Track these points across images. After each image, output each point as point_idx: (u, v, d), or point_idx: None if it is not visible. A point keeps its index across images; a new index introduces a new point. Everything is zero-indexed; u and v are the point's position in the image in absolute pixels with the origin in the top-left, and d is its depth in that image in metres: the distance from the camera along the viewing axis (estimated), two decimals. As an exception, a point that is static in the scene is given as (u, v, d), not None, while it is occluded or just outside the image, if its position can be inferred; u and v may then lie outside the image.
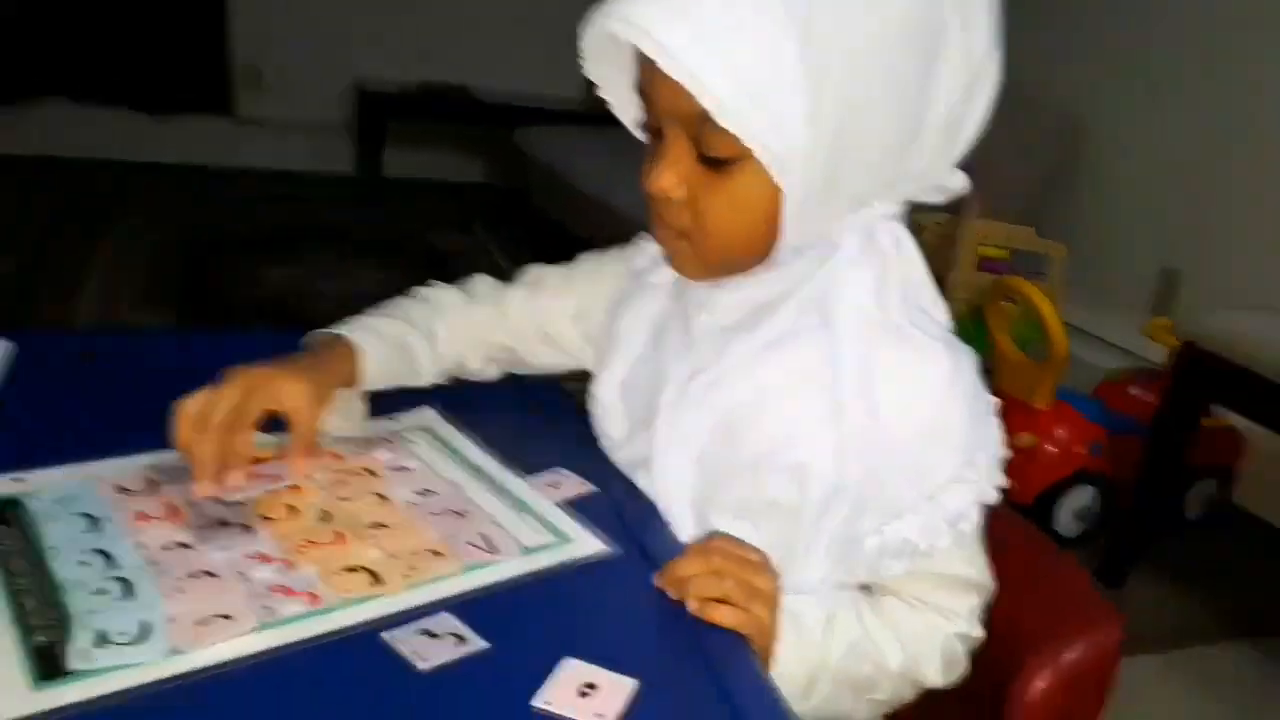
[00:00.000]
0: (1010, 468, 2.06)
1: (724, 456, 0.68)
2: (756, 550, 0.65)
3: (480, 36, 4.27)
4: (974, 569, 0.70)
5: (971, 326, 2.32)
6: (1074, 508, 2.05)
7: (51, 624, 0.55)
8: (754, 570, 0.63)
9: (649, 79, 0.62)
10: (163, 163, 4.13)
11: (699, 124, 0.60)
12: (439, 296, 0.86)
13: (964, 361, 0.66)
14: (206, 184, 4.01)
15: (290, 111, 4.30)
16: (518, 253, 3.65)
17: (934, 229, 2.42)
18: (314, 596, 0.59)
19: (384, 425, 0.81)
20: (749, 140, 0.58)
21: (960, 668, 0.71)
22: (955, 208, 2.34)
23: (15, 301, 2.66)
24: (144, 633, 0.54)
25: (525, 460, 0.77)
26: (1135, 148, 2.64)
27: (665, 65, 0.58)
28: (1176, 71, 2.54)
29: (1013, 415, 2.02)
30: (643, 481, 0.75)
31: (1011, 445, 2.11)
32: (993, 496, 0.67)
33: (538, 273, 0.87)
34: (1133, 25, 2.64)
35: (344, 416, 0.77)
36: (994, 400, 0.68)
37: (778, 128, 0.58)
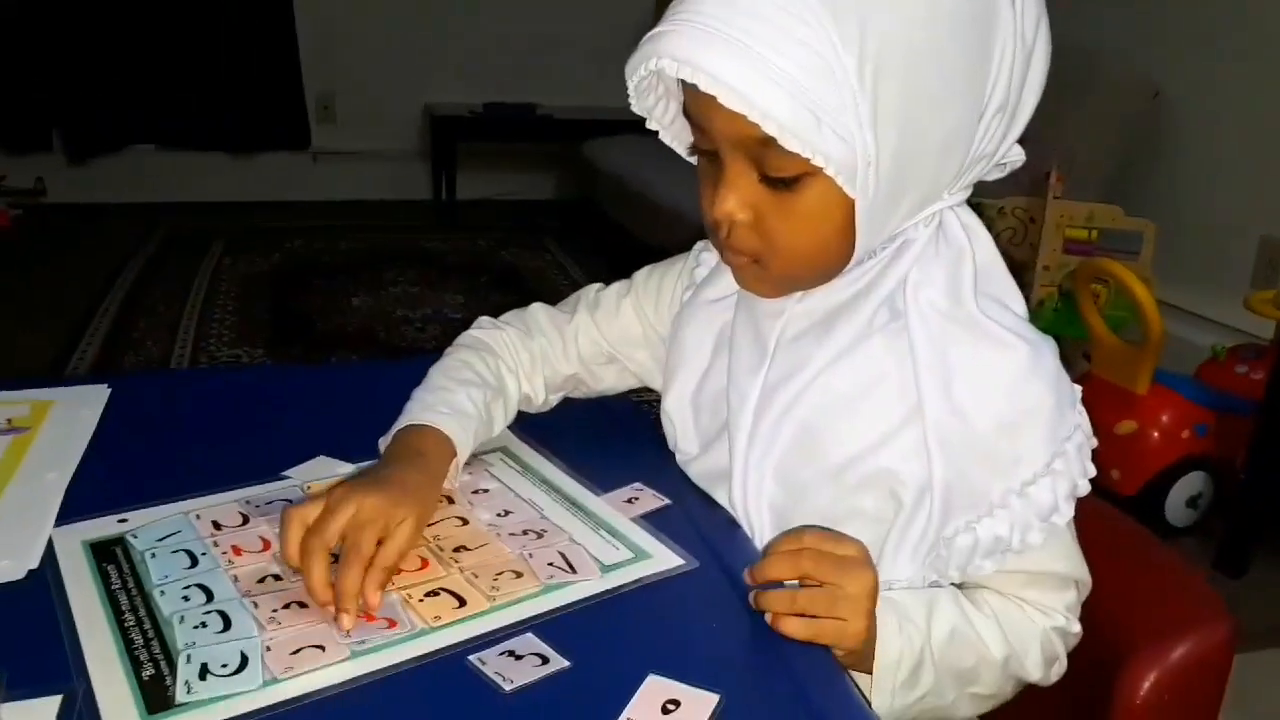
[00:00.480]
0: (1113, 457, 1.99)
1: (805, 466, 0.67)
2: (852, 543, 0.62)
3: (543, 54, 4.32)
4: (1069, 564, 0.67)
5: (1063, 312, 2.26)
6: (1185, 495, 1.97)
7: (158, 658, 0.57)
8: (844, 571, 0.60)
9: (703, 109, 0.60)
10: (247, 201, 4.28)
11: (760, 146, 0.59)
12: (499, 340, 0.84)
13: (1044, 350, 0.64)
14: (290, 218, 4.14)
15: (363, 141, 4.41)
16: (592, 265, 3.68)
17: (1016, 213, 2.35)
18: (391, 622, 0.60)
19: None
20: (815, 158, 0.57)
21: (1059, 664, 0.69)
22: (1036, 189, 2.28)
23: (117, 344, 2.78)
24: (243, 664, 0.56)
25: (601, 477, 0.77)
26: (1223, 117, 2.53)
27: (724, 98, 0.56)
28: (1262, 36, 2.42)
29: (1112, 402, 1.98)
30: (720, 494, 0.74)
31: (1113, 433, 2.03)
32: (1084, 488, 0.64)
33: (596, 295, 0.85)
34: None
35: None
36: (1078, 389, 0.66)
37: (843, 141, 0.57)
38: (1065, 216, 2.25)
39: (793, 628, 0.59)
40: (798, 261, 0.64)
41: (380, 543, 0.63)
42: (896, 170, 0.59)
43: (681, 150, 0.69)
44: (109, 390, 0.90)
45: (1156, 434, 1.92)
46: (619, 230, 3.56)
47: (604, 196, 3.74)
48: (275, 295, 3.22)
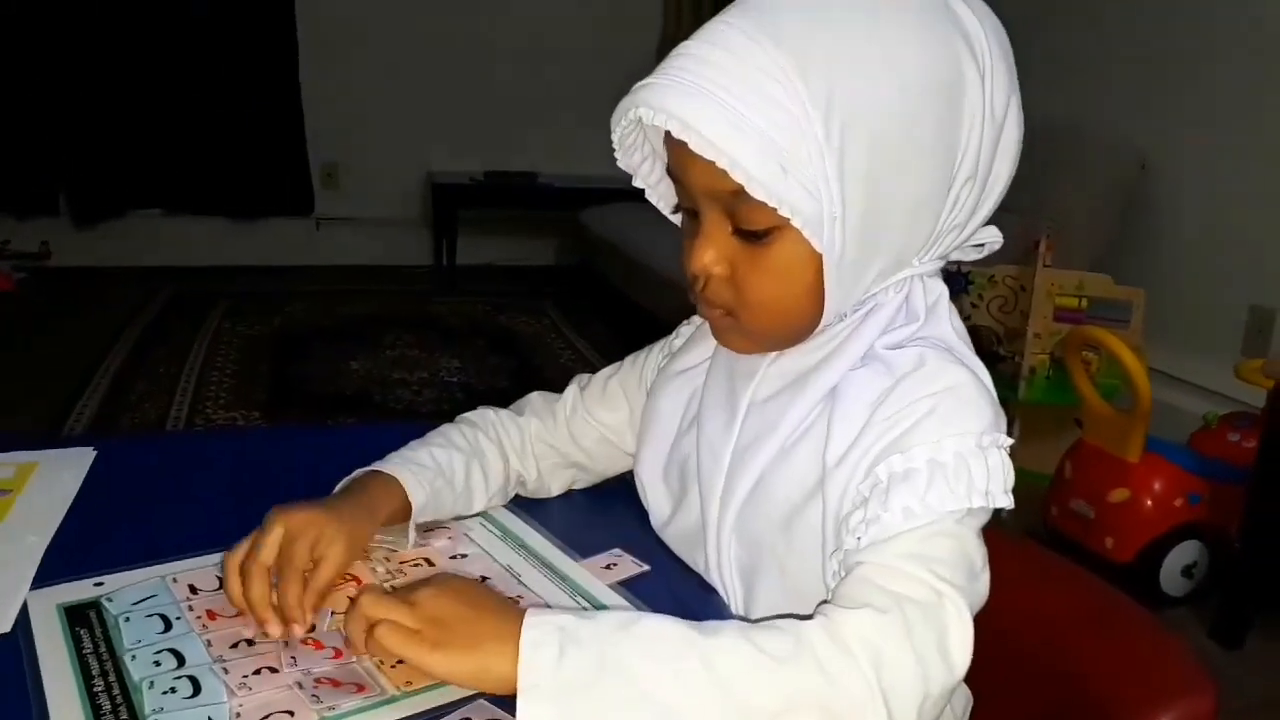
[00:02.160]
0: (1107, 525, 1.98)
1: (760, 520, 0.68)
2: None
3: (543, 124, 4.40)
4: (942, 563, 0.58)
5: (1056, 379, 2.27)
6: (1180, 564, 1.95)
7: (124, 724, 0.56)
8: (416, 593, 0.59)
9: (680, 161, 0.63)
10: (250, 265, 4.33)
11: (733, 200, 0.61)
12: (483, 417, 0.86)
13: (984, 380, 0.64)
14: (291, 283, 4.18)
15: (366, 208, 4.48)
16: (589, 330, 3.70)
17: (1006, 281, 2.38)
18: (360, 687, 0.60)
19: None
20: (783, 209, 0.59)
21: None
22: (1027, 258, 2.30)
23: (114, 405, 2.79)
24: None
25: (582, 543, 0.78)
26: (1210, 188, 2.57)
27: (695, 145, 0.59)
28: (1246, 109, 2.47)
29: (1104, 469, 1.98)
30: (697, 558, 0.74)
31: (1106, 501, 2.02)
32: (1000, 500, 0.61)
33: (588, 378, 0.88)
34: (1198, 65, 2.60)
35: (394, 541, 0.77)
36: (1007, 440, 0.63)
37: (810, 194, 0.59)
38: (1055, 285, 2.27)
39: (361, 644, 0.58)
40: (769, 316, 0.66)
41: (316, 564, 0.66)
42: (864, 229, 0.61)
43: (666, 209, 0.72)
44: (94, 453, 0.90)
45: (1149, 502, 1.92)
46: (616, 296, 3.59)
47: (602, 263, 3.78)
48: (274, 358, 3.24)
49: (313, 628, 0.65)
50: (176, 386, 2.94)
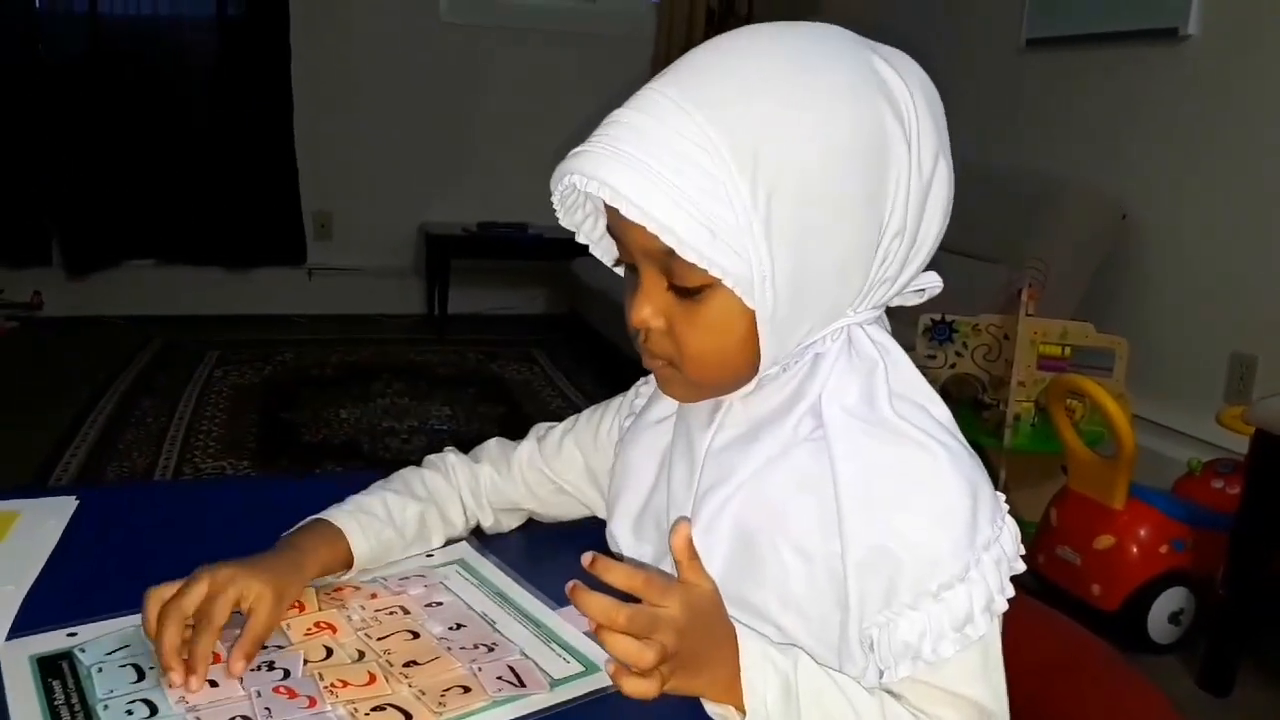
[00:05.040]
0: (1092, 572, 1.98)
1: (745, 574, 0.68)
2: (673, 599, 0.61)
3: (534, 176, 4.42)
4: (985, 689, 0.65)
5: (1040, 427, 2.28)
6: (1167, 611, 1.95)
7: (95, 776, 0.56)
8: (660, 628, 0.60)
9: (616, 222, 0.65)
10: (242, 314, 4.35)
11: (667, 259, 0.63)
12: (444, 462, 0.89)
13: (962, 455, 0.65)
14: (283, 331, 4.19)
15: (359, 258, 4.51)
16: (578, 378, 3.71)
17: (990, 329, 2.40)
18: (337, 736, 0.61)
19: (420, 561, 0.83)
20: (712, 270, 0.61)
21: None
22: (1011, 307, 2.33)
23: (102, 454, 2.78)
24: None
25: (557, 591, 0.78)
26: (1190, 237, 2.61)
27: (625, 211, 0.61)
28: (1225, 160, 2.52)
29: (1089, 517, 1.98)
30: None
31: (1091, 548, 2.03)
32: (1001, 605, 0.64)
33: (545, 430, 0.90)
34: (1177, 117, 2.65)
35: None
36: (1002, 500, 0.66)
37: (738, 255, 0.61)
38: (1039, 333, 2.29)
39: (617, 677, 0.60)
40: (706, 367, 0.68)
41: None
42: (794, 287, 0.63)
43: (609, 262, 0.74)
44: (77, 502, 0.91)
45: (1135, 548, 1.92)
46: (605, 345, 3.61)
47: (591, 311, 3.80)
48: (264, 407, 3.24)
49: (215, 683, 0.66)
50: (165, 436, 2.94)
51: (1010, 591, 0.64)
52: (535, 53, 4.49)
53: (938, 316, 2.38)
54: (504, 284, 4.64)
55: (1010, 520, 0.66)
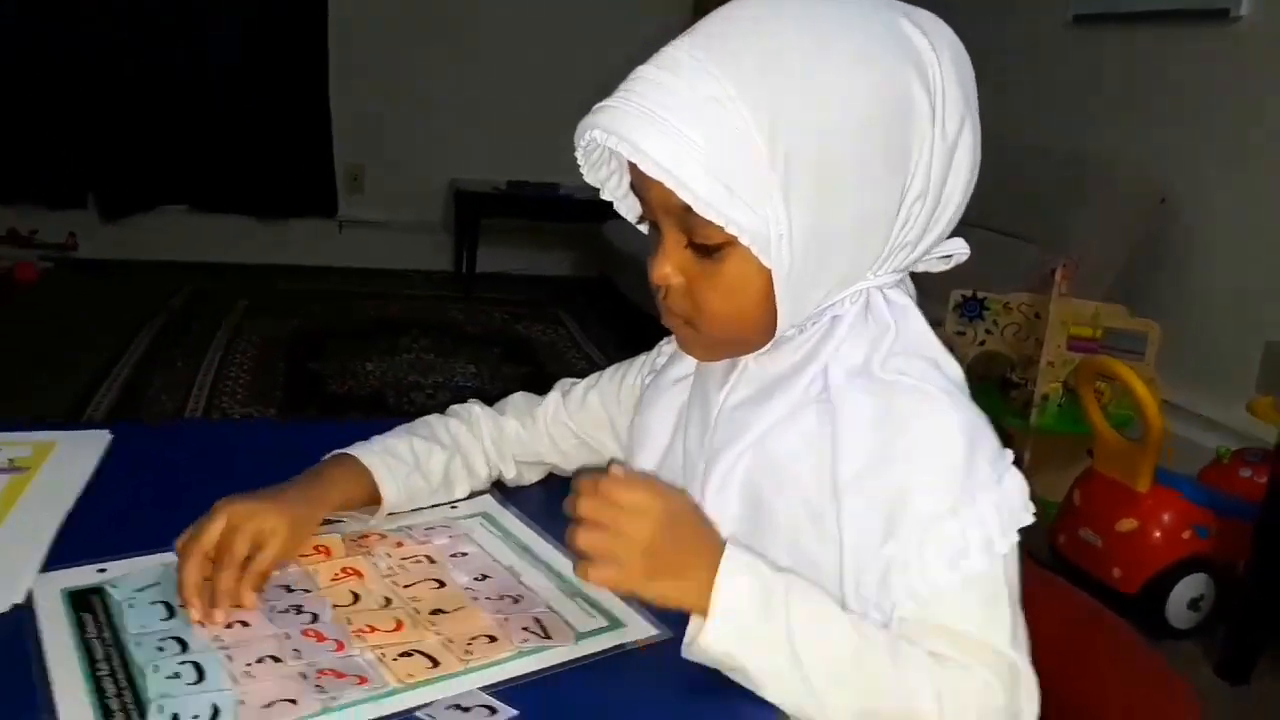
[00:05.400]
0: (1114, 554, 1.97)
1: (756, 531, 0.69)
2: (639, 492, 0.63)
3: (567, 136, 4.40)
4: (991, 630, 0.63)
5: (1068, 408, 2.26)
6: (1186, 597, 1.94)
7: (129, 708, 0.58)
8: (620, 515, 0.62)
9: (638, 178, 0.65)
10: (273, 264, 4.37)
11: (686, 216, 0.63)
12: (469, 412, 0.90)
13: (964, 403, 0.66)
14: (312, 283, 4.22)
15: (389, 212, 4.52)
16: (604, 340, 3.72)
17: (1021, 308, 2.37)
18: (362, 679, 0.61)
19: (444, 513, 0.84)
20: (729, 227, 0.61)
21: None
22: (1044, 286, 2.30)
23: (132, 396, 2.82)
24: (215, 715, 0.57)
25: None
26: (1229, 224, 2.56)
27: (644, 166, 0.62)
28: (1268, 145, 2.47)
29: (1113, 499, 1.97)
30: None
31: (1114, 530, 2.01)
32: (1003, 548, 0.63)
33: (569, 385, 0.91)
34: (1222, 102, 2.59)
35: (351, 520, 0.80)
36: (1008, 453, 0.66)
37: (755, 213, 0.61)
38: (1070, 314, 2.27)
39: (580, 570, 0.62)
40: (722, 326, 0.68)
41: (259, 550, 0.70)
42: (811, 247, 0.63)
43: (633, 219, 0.74)
44: (110, 436, 0.92)
45: (1157, 533, 1.91)
46: (633, 308, 3.60)
47: (619, 275, 3.79)
48: (292, 357, 3.27)
49: (245, 624, 0.67)
50: (194, 381, 2.97)
51: (1014, 538, 0.64)
52: (572, 9, 4.45)
53: (968, 292, 2.35)
54: (533, 244, 4.64)
55: (1016, 472, 0.65)
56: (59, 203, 4.16)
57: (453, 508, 0.85)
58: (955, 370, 0.68)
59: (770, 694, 0.61)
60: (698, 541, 0.64)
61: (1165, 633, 1.91)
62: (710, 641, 0.60)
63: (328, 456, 0.81)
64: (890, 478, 0.64)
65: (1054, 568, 1.96)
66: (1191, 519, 1.93)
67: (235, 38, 4.21)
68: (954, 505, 0.63)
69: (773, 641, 0.60)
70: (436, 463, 0.84)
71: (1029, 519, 0.65)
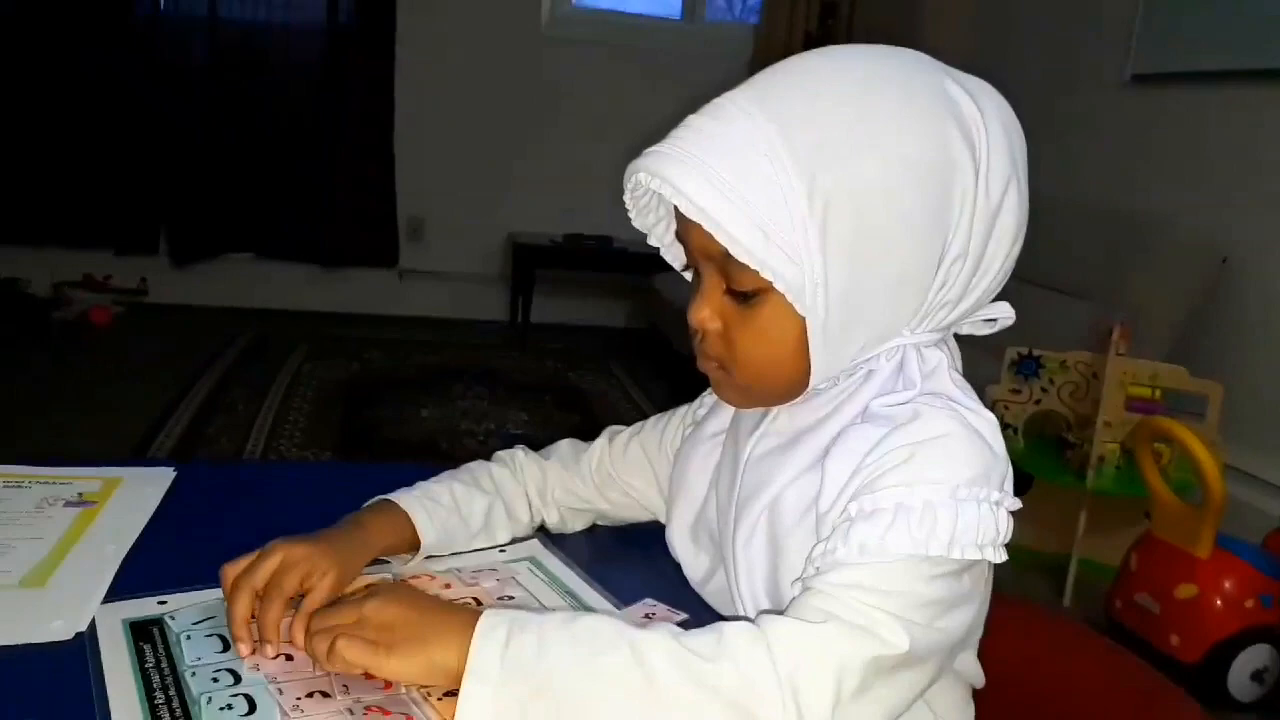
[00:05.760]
0: (1173, 622, 1.91)
1: (775, 580, 0.70)
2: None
3: (621, 191, 4.49)
4: (910, 608, 0.60)
5: (1125, 470, 2.22)
6: (1249, 668, 1.88)
7: (184, 735, 0.59)
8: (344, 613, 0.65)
9: (682, 224, 0.68)
10: (334, 311, 4.48)
11: (725, 261, 0.65)
12: (514, 459, 0.91)
13: (989, 429, 0.65)
14: (371, 330, 4.31)
15: (448, 263, 4.61)
16: (654, 391, 3.73)
17: (1079, 367, 2.35)
18: (408, 717, 0.62)
19: (492, 556, 0.85)
20: (766, 273, 0.62)
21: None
22: (1102, 346, 2.27)
23: (194, 436, 2.90)
24: None
25: (622, 589, 0.80)
26: (1295, 283, 2.52)
27: (685, 209, 0.63)
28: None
29: (1172, 564, 1.93)
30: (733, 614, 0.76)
31: (1172, 597, 1.96)
32: (968, 554, 0.61)
33: (614, 432, 0.92)
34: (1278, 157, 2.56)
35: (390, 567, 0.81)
36: (999, 494, 0.64)
37: (792, 261, 0.62)
38: (1128, 374, 2.23)
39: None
40: (755, 372, 0.69)
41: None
42: (847, 298, 0.64)
43: (678, 267, 0.76)
44: (174, 473, 0.95)
45: (1219, 601, 1.86)
46: (683, 362, 3.61)
47: (670, 327, 3.82)
48: (349, 403, 3.34)
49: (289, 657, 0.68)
50: (254, 424, 3.04)
51: (978, 556, 0.62)
52: (632, 69, 4.54)
53: (1025, 350, 2.33)
54: (587, 296, 4.70)
55: (1009, 516, 0.64)
56: (132, 249, 4.31)
57: (501, 551, 0.86)
58: (984, 415, 0.66)
59: None
60: (443, 606, 0.66)
61: (1227, 704, 1.85)
62: (471, 704, 0.58)
63: (370, 502, 0.82)
64: (884, 462, 0.63)
65: (1109, 634, 1.91)
66: (1255, 587, 1.87)
67: (304, 91, 4.36)
68: (951, 490, 0.61)
69: (538, 684, 0.58)
70: (478, 508, 0.85)
71: (1000, 557, 0.63)
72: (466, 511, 0.84)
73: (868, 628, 0.59)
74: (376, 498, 0.82)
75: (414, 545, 0.81)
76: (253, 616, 0.70)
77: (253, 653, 0.68)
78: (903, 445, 0.63)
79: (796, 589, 0.65)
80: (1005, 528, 0.63)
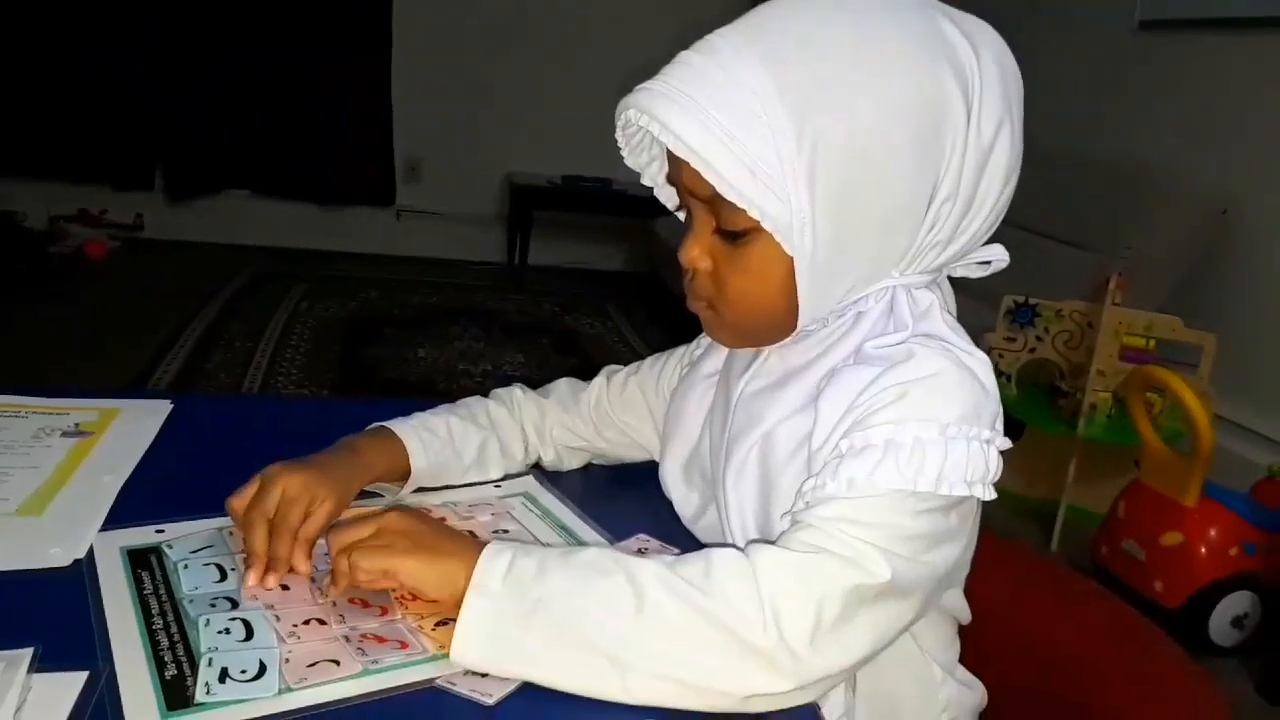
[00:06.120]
0: (1158, 568, 1.94)
1: (766, 514, 0.71)
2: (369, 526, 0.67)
3: (623, 131, 4.45)
4: (892, 541, 0.61)
5: (1117, 419, 2.23)
6: (1230, 614, 1.91)
7: (181, 660, 0.60)
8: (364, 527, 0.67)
9: (673, 163, 0.67)
10: (330, 250, 4.46)
11: (714, 201, 0.65)
12: (511, 396, 0.92)
13: (983, 368, 0.65)
14: (368, 270, 4.29)
15: (445, 203, 4.58)
16: (650, 335, 3.74)
17: (1074, 316, 2.35)
18: (403, 644, 0.64)
19: (488, 491, 0.86)
20: (754, 212, 0.62)
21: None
22: (1098, 295, 2.27)
23: (192, 372, 2.90)
24: (261, 671, 0.59)
25: (616, 525, 0.81)
26: (1293, 234, 2.51)
27: (675, 148, 0.63)
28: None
29: (1159, 512, 1.95)
30: None
31: (1158, 544, 1.98)
32: (955, 490, 0.62)
33: (612, 372, 0.93)
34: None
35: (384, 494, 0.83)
36: (989, 433, 0.64)
37: (780, 199, 0.62)
38: (1123, 324, 2.24)
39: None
40: (744, 312, 0.70)
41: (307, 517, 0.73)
42: (834, 237, 0.64)
43: (671, 206, 0.75)
44: (171, 406, 0.96)
45: (1203, 548, 1.88)
46: (681, 305, 3.61)
47: (669, 271, 3.81)
48: (346, 341, 3.34)
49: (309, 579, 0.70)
50: (251, 360, 3.05)
51: (967, 492, 0.63)
52: (632, 9, 4.46)
53: (1021, 298, 2.33)
54: (585, 238, 4.68)
55: (998, 455, 0.65)
56: (127, 184, 4.28)
57: (496, 486, 0.87)
58: (977, 354, 0.66)
59: (558, 675, 0.60)
60: (452, 533, 0.68)
61: (1207, 649, 1.89)
62: (471, 614, 0.60)
63: (367, 429, 0.83)
64: (876, 400, 0.64)
65: (1095, 578, 1.94)
66: (1239, 535, 1.90)
67: (301, 28, 4.29)
68: (940, 427, 0.62)
69: (532, 607, 0.60)
70: (472, 442, 0.86)
71: (989, 495, 0.64)
72: (460, 445, 0.85)
73: (853, 559, 0.60)
74: (373, 425, 0.84)
75: (406, 474, 0.82)
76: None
77: (259, 583, 0.69)
78: (895, 384, 0.64)
79: (786, 523, 0.66)
80: (995, 466, 0.64)
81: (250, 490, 0.73)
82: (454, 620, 0.64)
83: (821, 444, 0.66)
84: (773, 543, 0.64)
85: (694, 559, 0.62)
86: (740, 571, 0.60)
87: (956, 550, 0.66)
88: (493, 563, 0.62)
